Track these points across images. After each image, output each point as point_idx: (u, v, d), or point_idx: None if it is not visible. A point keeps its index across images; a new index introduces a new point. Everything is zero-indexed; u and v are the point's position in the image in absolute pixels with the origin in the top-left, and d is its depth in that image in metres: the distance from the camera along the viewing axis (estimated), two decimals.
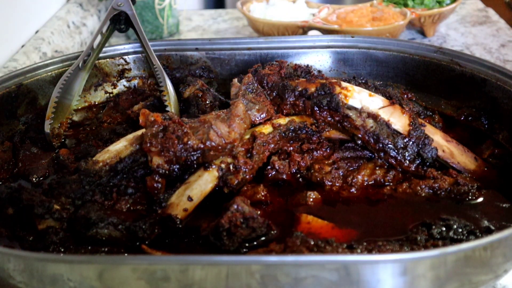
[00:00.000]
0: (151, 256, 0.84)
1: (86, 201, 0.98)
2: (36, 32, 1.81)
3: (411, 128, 1.08)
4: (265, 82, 1.18)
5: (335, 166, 1.09)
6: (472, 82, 1.24)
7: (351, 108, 1.10)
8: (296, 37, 1.44)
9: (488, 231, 0.92)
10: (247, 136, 1.08)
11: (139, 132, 1.05)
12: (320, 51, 1.42)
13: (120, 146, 1.03)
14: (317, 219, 0.96)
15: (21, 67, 1.37)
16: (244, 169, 1.01)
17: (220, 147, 0.98)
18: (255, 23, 1.91)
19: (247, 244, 0.91)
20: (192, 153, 0.97)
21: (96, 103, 1.42)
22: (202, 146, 0.97)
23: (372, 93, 1.12)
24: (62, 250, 0.91)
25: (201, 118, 1.03)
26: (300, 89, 1.14)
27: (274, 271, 0.72)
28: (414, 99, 1.31)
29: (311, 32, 1.80)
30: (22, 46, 1.70)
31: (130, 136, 1.05)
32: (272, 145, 1.09)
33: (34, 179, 1.10)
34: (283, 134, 1.11)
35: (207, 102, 1.24)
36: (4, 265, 0.76)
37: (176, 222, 0.95)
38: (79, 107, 1.38)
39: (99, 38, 1.38)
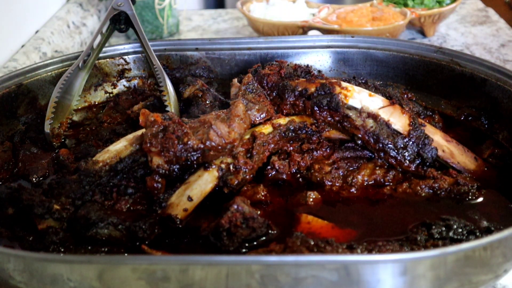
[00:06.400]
0: (151, 256, 0.84)
1: (86, 201, 0.98)
2: (36, 32, 1.81)
3: (411, 128, 1.08)
4: (265, 82, 1.18)
5: (335, 166, 1.09)
6: (472, 82, 1.24)
7: (351, 108, 1.10)
8: (296, 37, 1.44)
9: (488, 231, 0.92)
10: (247, 136, 1.08)
11: (139, 132, 1.05)
12: (320, 51, 1.42)
13: (120, 146, 1.03)
14: (317, 219, 0.96)
15: (21, 67, 1.37)
16: (244, 169, 1.01)
17: (220, 147, 0.98)
18: (255, 23, 1.91)
19: (247, 244, 0.91)
20: (192, 153, 0.97)
21: (96, 103, 1.42)
22: (202, 146, 0.97)
23: (372, 93, 1.12)
24: (62, 250, 0.91)
25: (201, 118, 1.03)
26: (300, 89, 1.14)
27: (274, 271, 0.72)
28: (414, 99, 1.31)
29: (311, 32, 1.80)
30: (22, 46, 1.70)
31: (130, 136, 1.05)
32: (272, 145, 1.09)
33: (34, 179, 1.10)
34: (283, 134, 1.11)
35: (207, 102, 1.24)
36: (4, 265, 0.76)
37: (176, 222, 0.95)
38: (79, 107, 1.38)
39: (99, 38, 1.38)
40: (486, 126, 1.22)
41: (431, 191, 1.04)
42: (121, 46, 1.44)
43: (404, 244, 0.88)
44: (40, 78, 1.31)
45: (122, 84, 1.45)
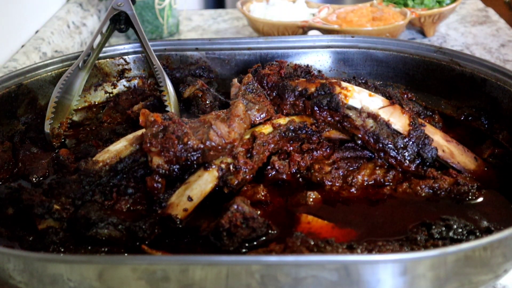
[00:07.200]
0: (151, 256, 0.84)
1: (86, 201, 0.98)
2: (36, 32, 1.81)
3: (411, 128, 1.08)
4: (265, 82, 1.18)
5: (335, 166, 1.09)
6: (472, 82, 1.24)
7: (351, 108, 1.10)
8: (296, 37, 1.44)
9: (488, 231, 0.92)
10: (247, 136, 1.08)
11: (139, 132, 1.05)
12: (320, 51, 1.42)
13: (120, 146, 1.03)
14: (317, 219, 0.96)
15: (21, 67, 1.37)
16: (244, 169, 1.01)
17: (220, 147, 0.98)
18: (255, 23, 1.91)
19: (247, 244, 0.91)
20: (192, 153, 0.97)
21: (96, 103, 1.42)
22: (202, 146, 0.97)
23: (372, 93, 1.12)
24: (62, 250, 0.91)
25: (201, 118, 1.03)
26: (300, 89, 1.14)
27: (274, 271, 0.72)
28: (414, 99, 1.31)
29: (311, 32, 1.80)
30: (22, 46, 1.70)
31: (130, 136, 1.05)
32: (272, 145, 1.09)
33: (34, 179, 1.10)
34: (283, 134, 1.11)
35: (207, 102, 1.24)
36: (4, 265, 0.76)
37: (176, 222, 0.95)
38: (79, 107, 1.38)
39: (99, 38, 1.38)
40: (486, 126, 1.22)
41: (431, 191, 1.04)
42: (121, 46, 1.44)
43: (404, 244, 0.88)
44: (40, 78, 1.31)
45: (122, 84, 1.45)
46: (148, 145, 0.96)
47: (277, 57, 1.41)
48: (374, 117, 1.09)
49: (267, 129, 1.10)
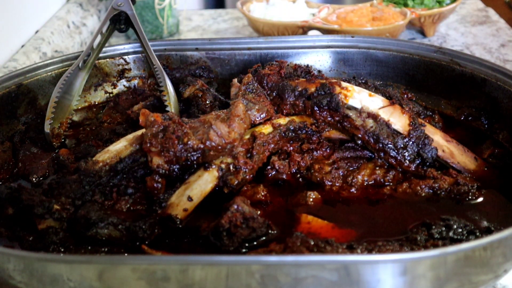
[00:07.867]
0: (151, 256, 0.84)
1: (86, 201, 0.98)
2: (36, 32, 1.81)
3: (411, 128, 1.08)
4: (265, 82, 1.18)
5: (335, 166, 1.09)
6: (472, 82, 1.24)
7: (351, 108, 1.10)
8: (296, 37, 1.44)
9: (488, 231, 0.92)
10: (247, 136, 1.08)
11: (139, 132, 1.05)
12: (320, 51, 1.42)
13: (120, 146, 1.03)
14: (317, 219, 0.96)
15: (21, 67, 1.37)
16: (244, 169, 1.01)
17: (220, 147, 0.98)
18: (255, 23, 1.91)
19: (247, 244, 0.91)
20: (192, 153, 0.97)
21: (96, 103, 1.42)
22: (202, 146, 0.97)
23: (372, 93, 1.12)
24: (62, 250, 0.91)
25: (201, 118, 1.03)
26: (300, 89, 1.14)
27: (274, 271, 0.72)
28: (414, 99, 1.31)
29: (311, 32, 1.80)
30: (22, 46, 1.70)
31: (130, 136, 1.05)
32: (272, 145, 1.09)
33: (34, 179, 1.10)
34: (283, 134, 1.11)
35: (207, 102, 1.24)
36: (4, 265, 0.76)
37: (176, 222, 0.95)
38: (79, 107, 1.38)
39: (99, 38, 1.38)
40: (486, 126, 1.22)
41: (431, 191, 1.04)
42: (121, 46, 1.44)
43: (404, 244, 0.88)
44: (40, 78, 1.31)
45: (122, 84, 1.45)
46: (148, 145, 0.96)
47: (277, 57, 1.41)
48: (374, 117, 1.09)
49: (267, 129, 1.10)
